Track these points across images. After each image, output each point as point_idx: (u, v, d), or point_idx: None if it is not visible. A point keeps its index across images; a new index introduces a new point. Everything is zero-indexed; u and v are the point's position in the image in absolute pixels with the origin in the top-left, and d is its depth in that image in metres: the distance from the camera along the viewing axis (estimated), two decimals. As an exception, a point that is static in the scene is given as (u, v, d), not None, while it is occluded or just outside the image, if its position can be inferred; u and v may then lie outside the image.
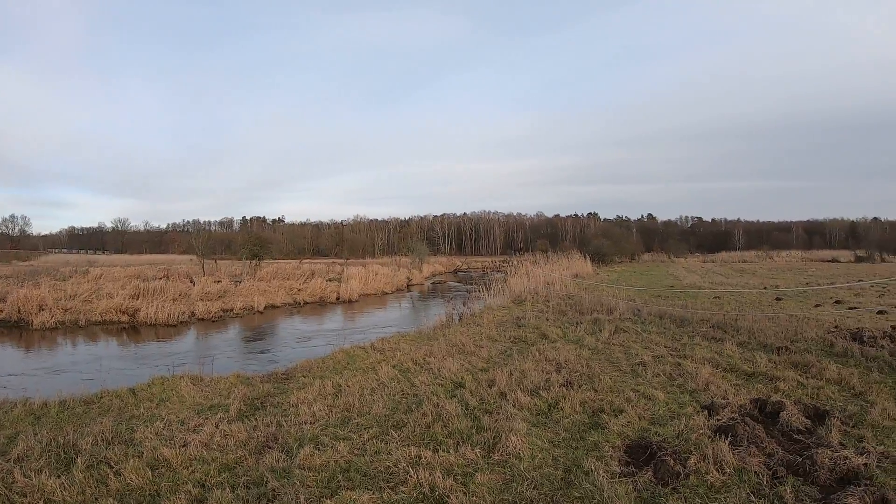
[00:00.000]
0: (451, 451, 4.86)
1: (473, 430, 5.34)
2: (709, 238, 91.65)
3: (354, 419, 5.97)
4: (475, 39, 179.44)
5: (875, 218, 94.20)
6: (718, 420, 5.16)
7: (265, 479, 4.45)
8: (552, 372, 7.41)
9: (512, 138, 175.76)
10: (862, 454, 4.42)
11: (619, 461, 4.65)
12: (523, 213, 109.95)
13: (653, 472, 4.37)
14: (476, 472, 4.47)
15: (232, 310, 20.40)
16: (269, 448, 5.15)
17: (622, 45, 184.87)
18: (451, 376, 7.58)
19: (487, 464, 4.65)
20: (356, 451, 5.00)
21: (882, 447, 4.69)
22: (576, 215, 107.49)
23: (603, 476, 4.27)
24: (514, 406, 6.01)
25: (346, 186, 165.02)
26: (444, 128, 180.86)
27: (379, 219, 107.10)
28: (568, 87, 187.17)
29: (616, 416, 5.63)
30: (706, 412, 5.57)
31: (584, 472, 4.43)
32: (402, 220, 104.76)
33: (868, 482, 4.00)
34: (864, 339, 9.44)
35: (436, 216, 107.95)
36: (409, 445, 5.01)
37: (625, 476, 4.38)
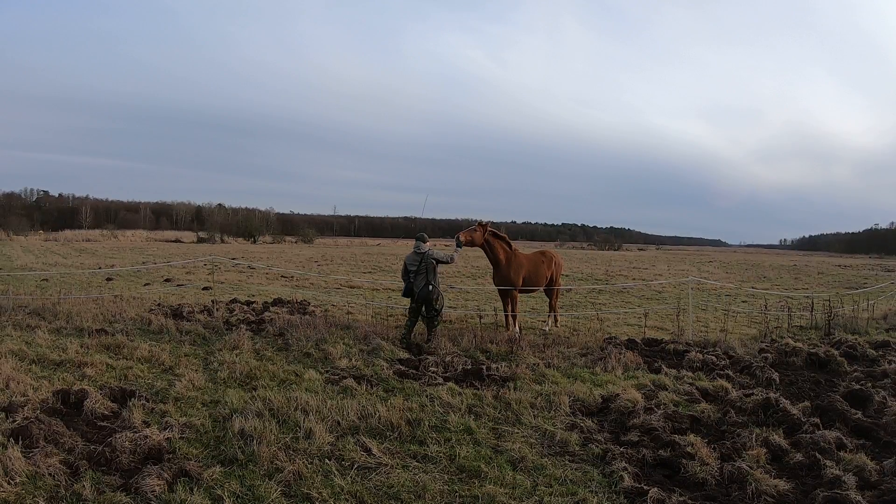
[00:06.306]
0: None
1: None
2: (55, 215, 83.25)
3: None
4: None
5: (220, 204, 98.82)
6: (14, 422, 4.42)
7: None
8: None
9: None
10: (165, 429, 4.35)
11: None
12: None
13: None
14: None
15: None
16: None
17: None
18: None
19: None
20: None
21: (185, 418, 4.69)
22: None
23: None
24: None
25: None
26: None
27: None
28: None
29: None
30: (4, 414, 4.69)
31: None
32: None
33: (171, 455, 3.94)
34: (184, 314, 9.48)
35: None
36: None
37: None
